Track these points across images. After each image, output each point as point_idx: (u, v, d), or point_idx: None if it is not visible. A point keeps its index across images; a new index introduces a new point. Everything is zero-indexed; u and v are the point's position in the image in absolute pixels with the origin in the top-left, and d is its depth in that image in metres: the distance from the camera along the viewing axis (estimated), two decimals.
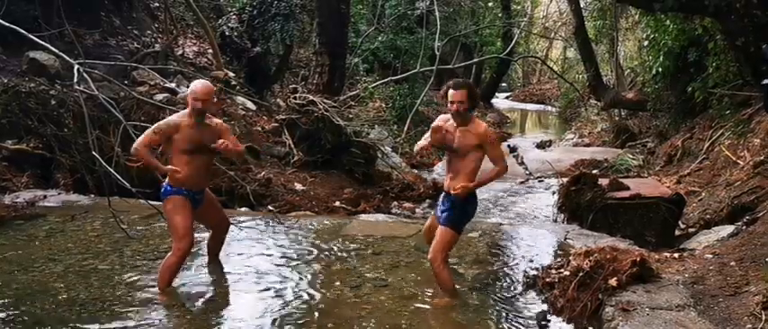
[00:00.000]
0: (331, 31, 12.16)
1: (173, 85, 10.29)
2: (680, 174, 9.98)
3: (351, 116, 10.88)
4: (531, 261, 5.66)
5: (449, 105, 4.59)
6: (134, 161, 7.71)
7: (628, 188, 7.37)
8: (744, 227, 6.18)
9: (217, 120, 4.96)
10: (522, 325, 4.42)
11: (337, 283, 5.08)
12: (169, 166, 4.72)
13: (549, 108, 27.93)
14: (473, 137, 4.59)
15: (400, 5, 17.84)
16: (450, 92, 4.56)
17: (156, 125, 4.79)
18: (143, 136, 4.73)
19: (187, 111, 4.78)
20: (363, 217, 7.89)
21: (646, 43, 13.17)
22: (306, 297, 4.84)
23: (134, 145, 4.73)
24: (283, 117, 10.68)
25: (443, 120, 4.75)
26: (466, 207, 4.73)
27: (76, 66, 7.18)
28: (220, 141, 4.68)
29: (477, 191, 4.82)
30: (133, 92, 8.85)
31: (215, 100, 4.96)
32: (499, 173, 4.71)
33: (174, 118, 4.84)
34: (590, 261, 4.61)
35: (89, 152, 6.93)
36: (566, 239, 6.32)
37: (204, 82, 4.86)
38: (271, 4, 12.77)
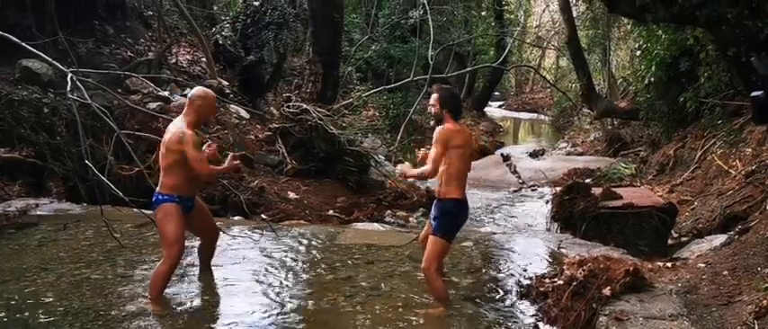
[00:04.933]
0: (324, 40, 12.15)
1: (166, 94, 10.27)
2: (672, 183, 10.02)
3: (344, 125, 10.86)
4: (525, 270, 5.66)
5: None
6: (126, 170, 7.72)
7: (620, 197, 7.40)
8: (736, 237, 6.20)
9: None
10: None
11: (331, 292, 5.07)
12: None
13: (542, 117, 28.04)
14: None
15: (394, 15, 17.90)
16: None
17: (193, 138, 4.64)
18: (197, 154, 4.63)
19: (187, 119, 4.73)
20: (357, 225, 7.89)
21: (638, 53, 13.23)
22: (299, 306, 4.82)
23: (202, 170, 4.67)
24: (277, 125, 10.67)
25: None
26: (456, 215, 4.73)
27: (70, 75, 7.16)
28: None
29: (470, 199, 4.84)
30: (126, 100, 8.82)
31: None
32: (423, 173, 4.72)
33: (182, 126, 4.70)
34: (583, 270, 4.62)
35: (82, 160, 6.90)
36: (559, 248, 6.33)
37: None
38: (264, 13, 12.77)
